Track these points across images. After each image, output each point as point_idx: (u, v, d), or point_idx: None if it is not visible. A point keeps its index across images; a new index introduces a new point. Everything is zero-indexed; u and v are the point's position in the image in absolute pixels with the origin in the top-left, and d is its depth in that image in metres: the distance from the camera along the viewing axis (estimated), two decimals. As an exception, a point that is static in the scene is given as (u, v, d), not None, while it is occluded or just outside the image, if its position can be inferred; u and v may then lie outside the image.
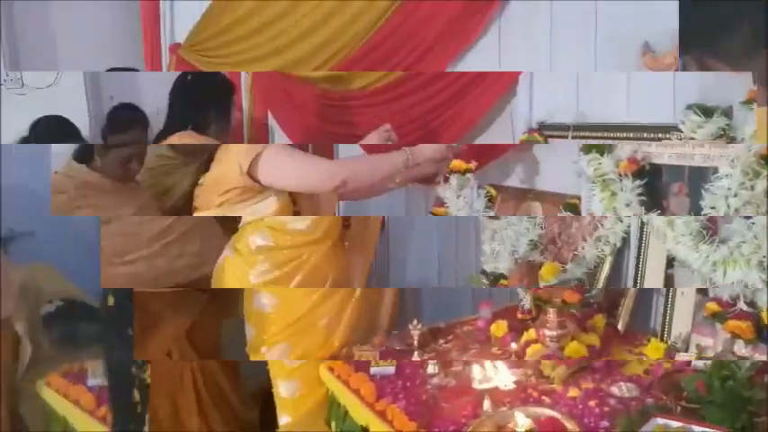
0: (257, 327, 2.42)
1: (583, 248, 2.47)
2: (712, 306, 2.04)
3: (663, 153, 2.11)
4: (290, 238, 2.36)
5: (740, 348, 1.98)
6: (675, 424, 1.61)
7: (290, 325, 2.38)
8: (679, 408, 1.75)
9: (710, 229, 2.04)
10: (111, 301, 2.34)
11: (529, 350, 2.18)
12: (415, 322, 2.30)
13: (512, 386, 2.01)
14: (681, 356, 2.10)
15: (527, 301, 2.50)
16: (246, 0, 2.86)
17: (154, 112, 3.13)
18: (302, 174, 2.32)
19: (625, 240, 2.41)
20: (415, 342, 2.28)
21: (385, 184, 2.52)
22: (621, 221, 2.37)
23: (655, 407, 1.80)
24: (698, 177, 1.99)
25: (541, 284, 2.39)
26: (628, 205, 2.11)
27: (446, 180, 2.57)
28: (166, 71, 3.36)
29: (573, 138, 2.18)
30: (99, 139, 3.06)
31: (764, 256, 1.85)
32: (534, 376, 2.09)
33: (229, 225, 2.61)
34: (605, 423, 1.79)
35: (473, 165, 2.50)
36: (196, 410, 2.79)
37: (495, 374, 1.97)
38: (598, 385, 2.02)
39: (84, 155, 2.67)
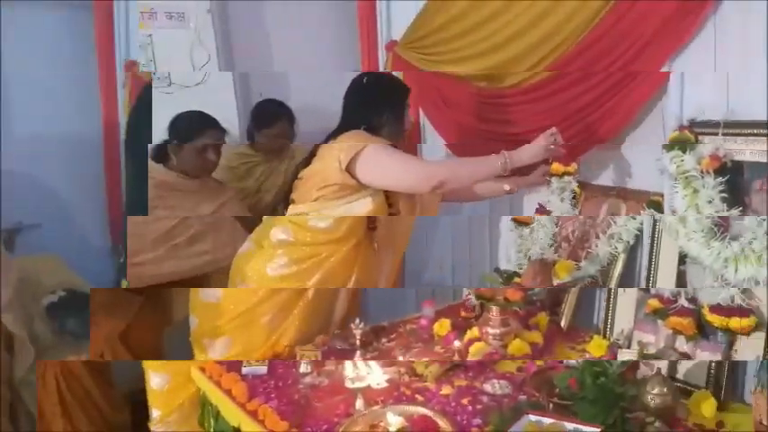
0: (201, 317, 2.41)
1: (596, 246, 2.41)
2: (654, 303, 2.04)
3: (745, 150, 2.03)
4: (310, 234, 2.36)
5: (681, 344, 1.98)
6: (547, 420, 1.57)
7: (232, 318, 2.35)
8: (551, 404, 1.70)
9: (722, 227, 1.99)
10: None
11: (472, 348, 2.13)
12: (357, 321, 2.25)
13: (384, 385, 1.95)
14: (623, 353, 2.03)
15: (472, 299, 2.43)
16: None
17: (300, 107, 3.31)
18: (401, 173, 2.31)
19: (638, 238, 2.34)
20: (358, 341, 2.23)
21: (487, 191, 2.61)
22: (635, 219, 2.32)
23: (527, 404, 1.76)
24: None
25: (555, 282, 2.35)
26: (710, 202, 2.02)
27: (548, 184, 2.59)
28: (384, 68, 3.38)
29: (723, 135, 2.09)
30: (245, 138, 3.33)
31: None
32: (407, 375, 2.03)
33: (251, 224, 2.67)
34: (478, 420, 1.73)
35: (573, 167, 2.48)
36: (60, 412, 2.74)
37: (367, 373, 1.91)
38: (471, 383, 1.98)
39: (161, 154, 2.72)
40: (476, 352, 2.08)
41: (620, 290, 2.19)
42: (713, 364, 1.84)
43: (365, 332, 2.28)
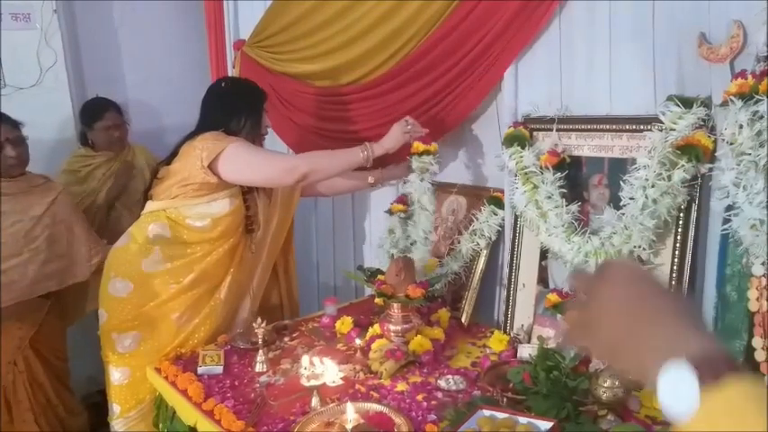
0: (110, 311, 2.36)
1: (459, 242, 2.47)
2: (552, 297, 2.06)
3: (583, 145, 2.10)
4: (186, 232, 2.35)
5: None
6: (501, 415, 1.59)
7: (141, 313, 2.32)
8: (505, 399, 1.73)
9: (582, 221, 2.05)
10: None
11: (374, 345, 2.13)
12: (258, 320, 2.19)
13: (340, 382, 1.95)
14: (523, 348, 2.08)
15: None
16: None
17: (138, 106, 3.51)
18: (264, 167, 2.35)
19: (500, 233, 2.41)
20: (260, 340, 2.16)
21: (350, 185, 2.72)
22: (496, 215, 2.38)
23: (481, 399, 1.78)
24: (617, 169, 1.98)
25: (419, 279, 2.32)
26: (549, 197, 2.08)
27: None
28: (232, 66, 3.47)
29: (557, 131, 2.15)
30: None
31: (636, 246, 1.85)
32: (362, 372, 2.04)
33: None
34: (433, 416, 1.76)
35: (434, 146, 2.48)
36: (32, 419, 2.72)
37: (322, 371, 1.88)
38: (426, 379, 2.00)
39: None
40: (377, 348, 2.09)
41: (521, 285, 2.26)
42: None
43: (267, 331, 2.23)
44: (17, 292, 2.52)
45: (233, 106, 2.45)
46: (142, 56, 3.80)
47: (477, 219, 2.42)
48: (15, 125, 2.64)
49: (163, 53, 3.85)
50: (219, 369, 2.10)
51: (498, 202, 2.39)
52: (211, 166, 2.26)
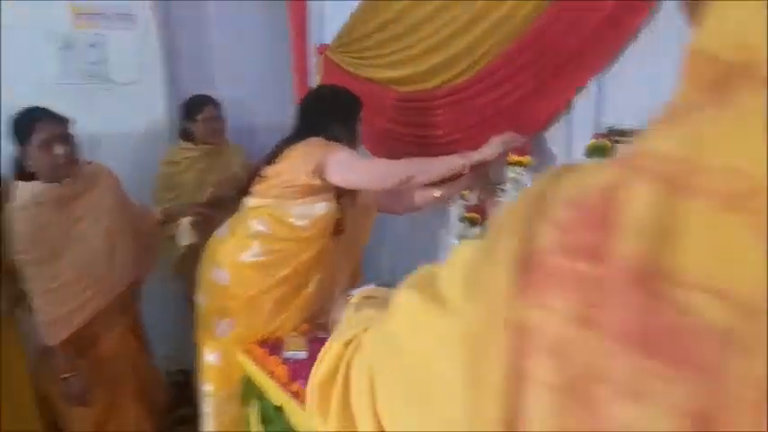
0: (211, 297, 2.57)
1: None
2: None
3: None
4: (287, 230, 2.47)
5: None
6: None
7: (237, 301, 2.50)
8: None
9: None
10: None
11: None
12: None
13: None
14: None
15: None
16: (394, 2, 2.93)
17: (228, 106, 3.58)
18: (371, 172, 2.46)
19: None
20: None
21: (420, 200, 2.79)
22: None
23: None
24: None
25: None
26: None
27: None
28: (314, 71, 3.63)
29: None
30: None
31: None
32: None
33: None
34: None
35: (528, 159, 2.50)
36: (133, 399, 2.81)
37: None
38: None
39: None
40: None
41: None
42: None
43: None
44: (120, 287, 2.65)
45: (333, 113, 2.59)
46: (230, 56, 3.96)
47: None
48: (63, 121, 2.47)
49: (249, 54, 4.01)
50: (304, 354, 2.26)
51: None
52: (318, 171, 2.38)
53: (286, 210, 2.46)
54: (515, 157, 2.49)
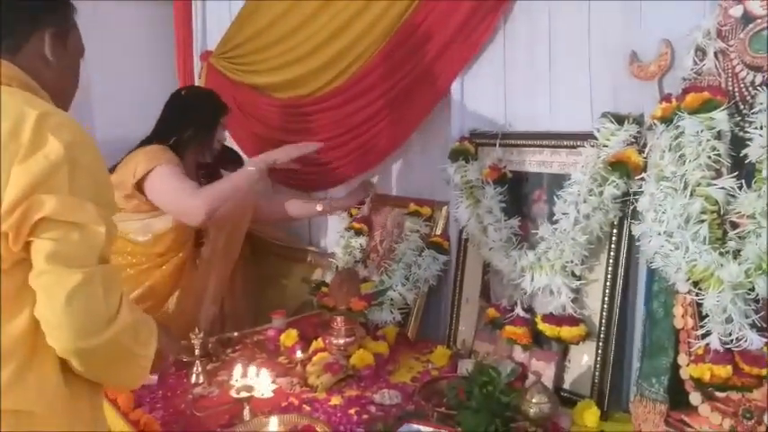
0: None
1: (404, 254, 2.45)
2: (491, 312, 2.08)
3: (525, 161, 2.11)
4: (130, 246, 2.33)
5: (519, 354, 1.99)
6: (427, 430, 1.60)
7: None
8: (435, 414, 1.73)
9: (521, 236, 2.07)
10: None
11: (314, 358, 2.12)
12: (196, 331, 2.17)
13: (270, 395, 1.93)
14: (463, 363, 2.07)
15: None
16: (270, 8, 2.92)
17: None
18: (174, 202, 2.26)
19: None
20: (197, 351, 2.14)
21: (301, 212, 2.73)
22: (437, 260, 2.37)
23: (411, 413, 1.78)
24: (556, 184, 1.98)
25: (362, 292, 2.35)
26: (489, 212, 2.10)
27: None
28: (198, 77, 3.54)
29: (500, 146, 2.17)
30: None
31: (568, 261, 1.86)
32: (299, 385, 2.04)
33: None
34: (360, 430, 1.76)
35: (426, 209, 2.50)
36: None
37: (255, 383, 1.88)
38: (363, 393, 2.00)
39: None
40: (317, 362, 2.08)
41: (464, 299, 2.27)
42: (596, 373, 1.82)
43: (211, 343, 2.24)
44: None
45: (187, 116, 2.44)
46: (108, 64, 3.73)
47: (418, 265, 2.36)
48: None
49: (129, 63, 3.71)
50: (154, 379, 2.08)
51: (440, 248, 2.36)
52: (138, 185, 2.23)
53: (124, 225, 2.26)
54: (414, 207, 2.51)
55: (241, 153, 3.17)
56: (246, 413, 1.79)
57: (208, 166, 2.60)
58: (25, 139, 1.14)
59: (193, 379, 2.08)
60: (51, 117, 1.19)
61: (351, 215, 2.76)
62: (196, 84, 3.50)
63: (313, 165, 2.83)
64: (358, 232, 2.68)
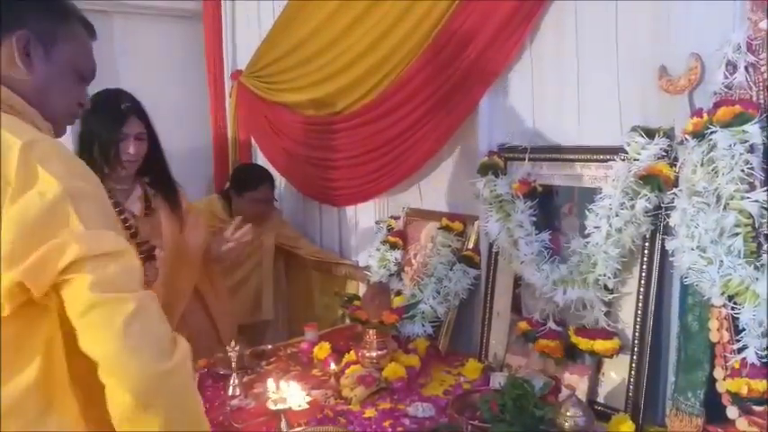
0: None
1: (435, 268, 2.45)
2: (523, 325, 2.08)
3: (554, 174, 2.13)
4: None
5: (551, 367, 2.00)
6: None
7: None
8: (470, 427, 1.73)
9: (553, 250, 2.07)
10: None
11: (347, 371, 2.15)
12: (233, 344, 2.20)
13: (306, 406, 1.97)
14: (496, 376, 2.08)
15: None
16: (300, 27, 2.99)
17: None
18: None
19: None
20: (233, 363, 2.18)
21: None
22: (468, 274, 2.38)
23: (445, 426, 1.79)
24: (586, 198, 1.99)
25: (394, 306, 2.35)
26: (520, 226, 2.10)
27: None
28: (229, 96, 3.64)
29: (530, 160, 2.18)
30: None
31: (601, 275, 1.85)
32: (333, 397, 2.06)
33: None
34: None
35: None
36: None
37: (289, 395, 1.90)
38: (396, 406, 2.01)
39: None
40: (350, 374, 2.10)
41: (495, 313, 2.27)
42: (631, 386, 1.81)
43: (246, 356, 2.28)
44: None
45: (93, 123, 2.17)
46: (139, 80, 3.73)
47: (449, 279, 2.38)
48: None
49: (163, 81, 3.77)
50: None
51: (470, 262, 2.38)
52: None
53: None
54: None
55: (272, 169, 3.26)
56: (283, 425, 1.82)
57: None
58: (11, 175, 1.04)
59: (230, 391, 2.11)
60: (37, 145, 1.08)
61: (389, 229, 2.78)
62: (227, 103, 3.61)
63: (343, 180, 2.88)
64: (393, 246, 2.70)
